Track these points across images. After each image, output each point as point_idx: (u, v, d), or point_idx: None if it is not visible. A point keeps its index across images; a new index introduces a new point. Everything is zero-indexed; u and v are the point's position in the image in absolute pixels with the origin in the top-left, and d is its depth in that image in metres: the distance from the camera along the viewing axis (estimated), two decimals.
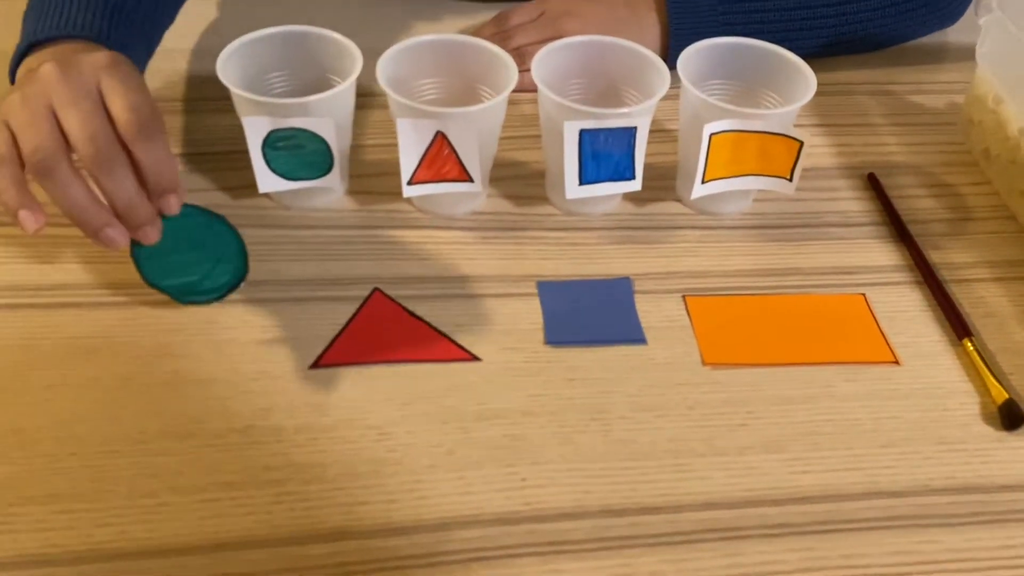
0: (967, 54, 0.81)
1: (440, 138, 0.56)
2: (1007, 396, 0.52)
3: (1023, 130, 0.64)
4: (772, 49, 0.62)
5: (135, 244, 0.51)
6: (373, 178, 0.64)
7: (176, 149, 0.65)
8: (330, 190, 0.61)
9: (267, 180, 0.58)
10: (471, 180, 0.58)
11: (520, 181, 0.65)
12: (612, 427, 0.51)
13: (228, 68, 0.56)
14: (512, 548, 0.45)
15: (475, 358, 0.53)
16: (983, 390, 0.54)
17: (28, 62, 0.55)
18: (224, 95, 0.57)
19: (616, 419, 0.51)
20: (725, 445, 0.50)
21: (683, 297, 0.58)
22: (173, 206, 0.50)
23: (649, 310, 0.57)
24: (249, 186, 0.59)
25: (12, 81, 0.57)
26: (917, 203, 0.66)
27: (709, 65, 0.62)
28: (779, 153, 0.59)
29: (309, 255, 0.59)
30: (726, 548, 0.46)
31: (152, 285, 0.50)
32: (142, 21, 0.60)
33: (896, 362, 0.55)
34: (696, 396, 0.52)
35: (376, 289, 0.56)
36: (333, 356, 0.52)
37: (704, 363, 0.54)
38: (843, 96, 0.76)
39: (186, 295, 0.50)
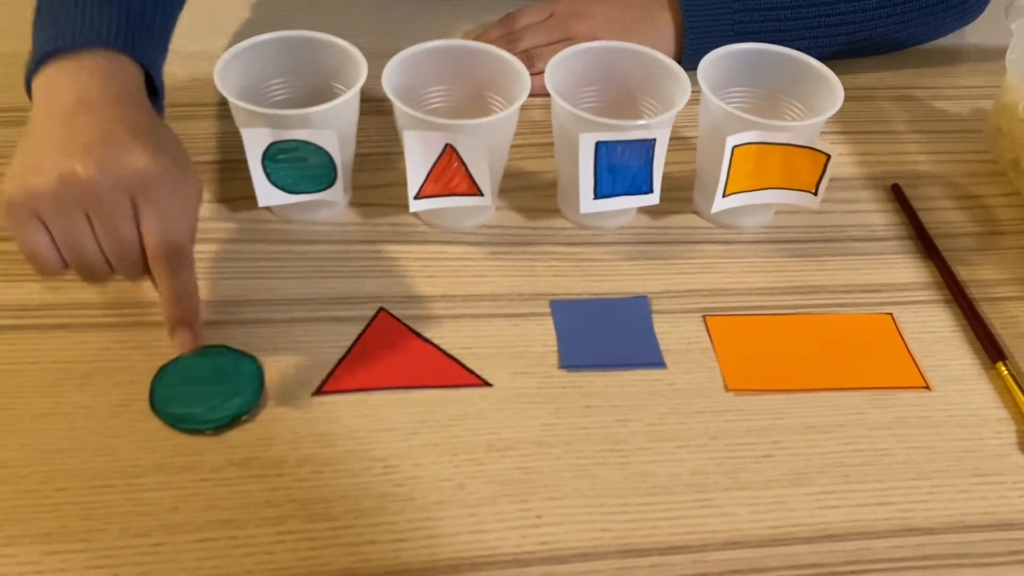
0: (989, 55, 0.79)
1: (449, 151, 0.53)
2: None
3: None
4: (795, 56, 0.59)
5: (159, 372, 0.49)
6: (377, 189, 0.61)
7: None
8: (333, 203, 0.58)
9: (267, 194, 0.55)
10: (481, 194, 0.56)
11: (531, 193, 0.63)
12: (631, 459, 0.48)
13: (226, 75, 0.54)
14: None
15: (486, 383, 0.50)
16: (1019, 417, 0.51)
17: (47, 73, 0.51)
18: (221, 100, 0.54)
19: (635, 450, 0.48)
20: (750, 478, 0.48)
21: (703, 317, 0.55)
22: (188, 341, 0.49)
23: (668, 331, 0.55)
24: (248, 197, 0.56)
25: (28, 91, 0.52)
26: (943, 216, 0.64)
27: (729, 72, 0.60)
28: (804, 166, 0.56)
29: (311, 272, 0.56)
30: None
31: (154, 410, 0.48)
32: (159, 26, 0.56)
33: (927, 387, 0.53)
34: (719, 425, 0.50)
35: (381, 309, 0.53)
36: (337, 382, 0.50)
37: (727, 389, 0.52)
38: (863, 102, 0.73)
39: (182, 423, 0.47)
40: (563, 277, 0.57)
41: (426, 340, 0.52)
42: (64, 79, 0.50)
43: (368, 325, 0.52)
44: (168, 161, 0.48)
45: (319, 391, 0.49)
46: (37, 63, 0.51)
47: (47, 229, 0.46)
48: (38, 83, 0.51)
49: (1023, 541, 0.46)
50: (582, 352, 0.52)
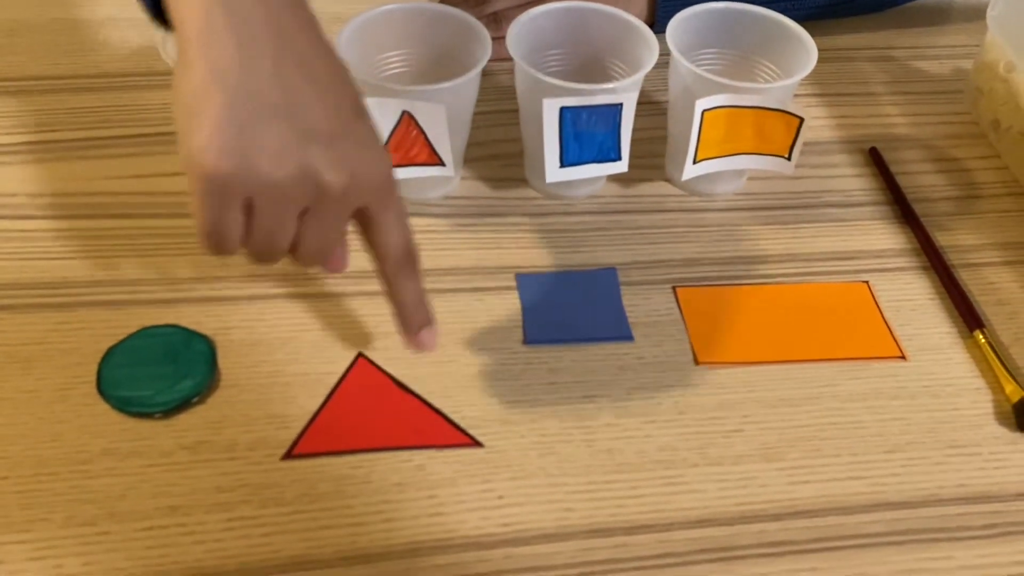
0: (972, 14, 0.77)
1: (407, 119, 0.51)
2: (1022, 394, 0.48)
3: None
4: (768, 15, 0.57)
5: (106, 353, 0.47)
6: None
7: (120, 130, 0.60)
8: None
9: None
10: (442, 163, 0.54)
11: (497, 162, 0.61)
12: (597, 436, 0.46)
13: (346, 48, 0.51)
14: None
15: (476, 443, 0.45)
16: (996, 386, 0.50)
17: None
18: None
19: (602, 426, 0.47)
20: (720, 454, 0.46)
21: (673, 288, 0.54)
22: (430, 342, 0.45)
23: (637, 303, 0.53)
24: None
25: (155, 11, 0.43)
26: (922, 179, 0.62)
27: (700, 33, 0.57)
28: (777, 130, 0.54)
29: None
30: (721, 570, 0.42)
31: (101, 393, 0.45)
32: None
33: (902, 357, 0.51)
34: (688, 399, 0.48)
35: (360, 355, 0.49)
36: (310, 443, 0.45)
37: (697, 362, 0.50)
38: (842, 63, 0.71)
39: (130, 406, 0.45)
40: (530, 249, 0.55)
41: (409, 391, 0.47)
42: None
43: (345, 374, 0.48)
44: (389, 157, 0.43)
45: (289, 454, 0.44)
46: None
47: (243, 212, 0.39)
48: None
49: (999, 514, 0.45)
50: (548, 327, 0.51)
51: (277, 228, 0.40)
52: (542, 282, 0.53)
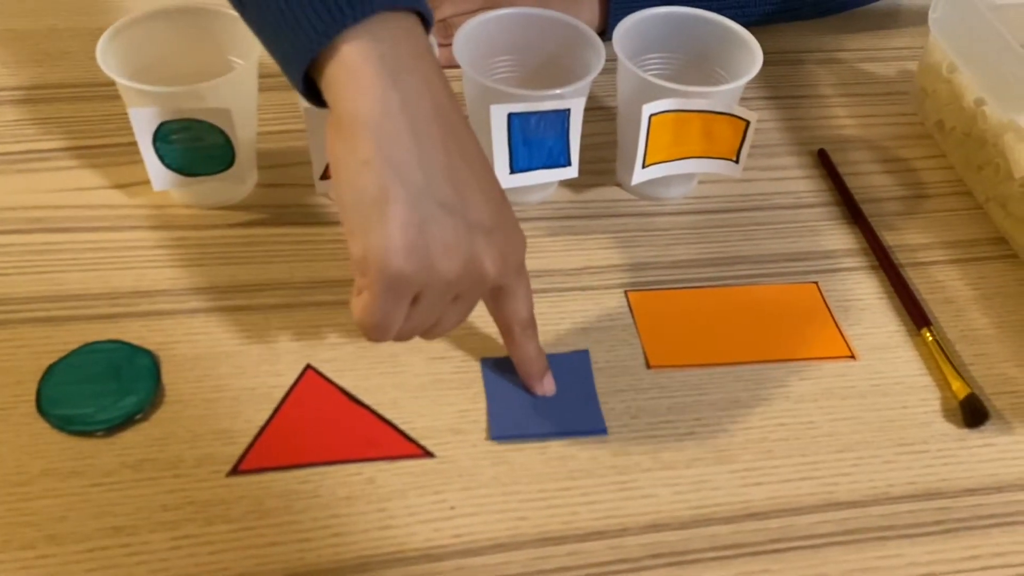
0: (918, 17, 0.78)
1: None
2: (969, 391, 0.49)
3: (979, 100, 0.60)
4: (714, 19, 0.57)
5: (47, 371, 0.46)
6: (285, 168, 0.58)
7: (62, 142, 0.59)
8: (235, 185, 0.55)
9: (161, 177, 0.52)
10: None
11: None
12: (550, 443, 0.46)
13: (111, 53, 0.50)
14: None
15: (428, 453, 0.45)
16: (943, 384, 0.50)
17: (347, 57, 0.37)
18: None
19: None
20: (672, 457, 0.46)
21: (625, 292, 0.54)
22: (551, 386, 0.48)
23: (589, 308, 0.53)
24: (146, 182, 0.53)
25: (307, 89, 0.40)
26: (870, 180, 0.63)
27: (647, 38, 0.58)
28: (724, 133, 0.55)
29: (213, 259, 0.53)
30: (673, 575, 0.42)
31: (41, 412, 0.44)
32: None
33: (852, 356, 0.52)
34: (640, 403, 0.48)
35: (308, 367, 0.47)
36: (257, 458, 0.44)
37: (649, 366, 0.50)
38: (790, 66, 0.72)
39: (71, 425, 0.44)
40: None
41: (360, 403, 0.46)
42: (378, 68, 0.37)
43: (293, 386, 0.47)
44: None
45: (236, 470, 0.43)
46: (316, 46, 0.38)
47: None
48: (335, 72, 0.38)
49: (948, 510, 0.45)
50: (514, 419, 0.46)
51: (433, 315, 0.42)
52: (508, 366, 0.48)
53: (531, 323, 0.46)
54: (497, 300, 0.45)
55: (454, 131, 0.40)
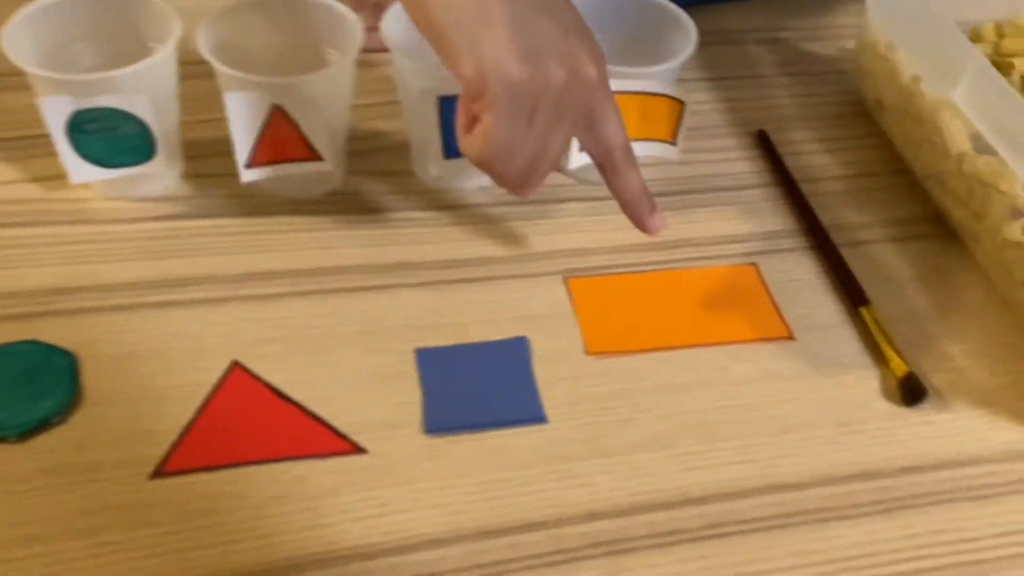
0: None
1: (277, 113, 0.49)
2: (907, 369, 0.49)
3: (916, 77, 0.60)
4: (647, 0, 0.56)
5: None
6: (211, 159, 0.56)
7: None
8: (158, 176, 0.53)
9: (79, 169, 0.50)
10: (320, 158, 0.52)
11: (384, 155, 0.59)
12: (488, 434, 0.45)
13: (17, 40, 0.48)
14: None
15: (360, 449, 0.43)
16: (882, 362, 0.50)
17: None
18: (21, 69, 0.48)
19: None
20: (611, 444, 0.45)
21: (565, 279, 0.53)
22: (662, 224, 0.48)
23: (529, 295, 0.52)
24: (64, 175, 0.50)
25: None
26: (810, 160, 0.63)
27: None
28: (661, 115, 0.54)
29: (136, 253, 0.51)
30: (613, 564, 0.41)
31: None
32: None
33: (791, 337, 0.51)
34: (580, 390, 0.48)
35: (235, 364, 0.46)
36: (181, 459, 0.42)
37: (588, 353, 0.49)
38: (730, 46, 0.71)
39: None
40: (421, 244, 0.54)
41: (288, 400, 0.45)
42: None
43: (219, 384, 0.45)
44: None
45: (159, 472, 0.42)
46: None
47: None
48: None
49: (886, 489, 0.45)
50: (450, 411, 0.45)
51: (546, 136, 0.42)
52: (444, 356, 0.48)
53: (631, 149, 0.46)
54: (592, 128, 0.45)
55: None
